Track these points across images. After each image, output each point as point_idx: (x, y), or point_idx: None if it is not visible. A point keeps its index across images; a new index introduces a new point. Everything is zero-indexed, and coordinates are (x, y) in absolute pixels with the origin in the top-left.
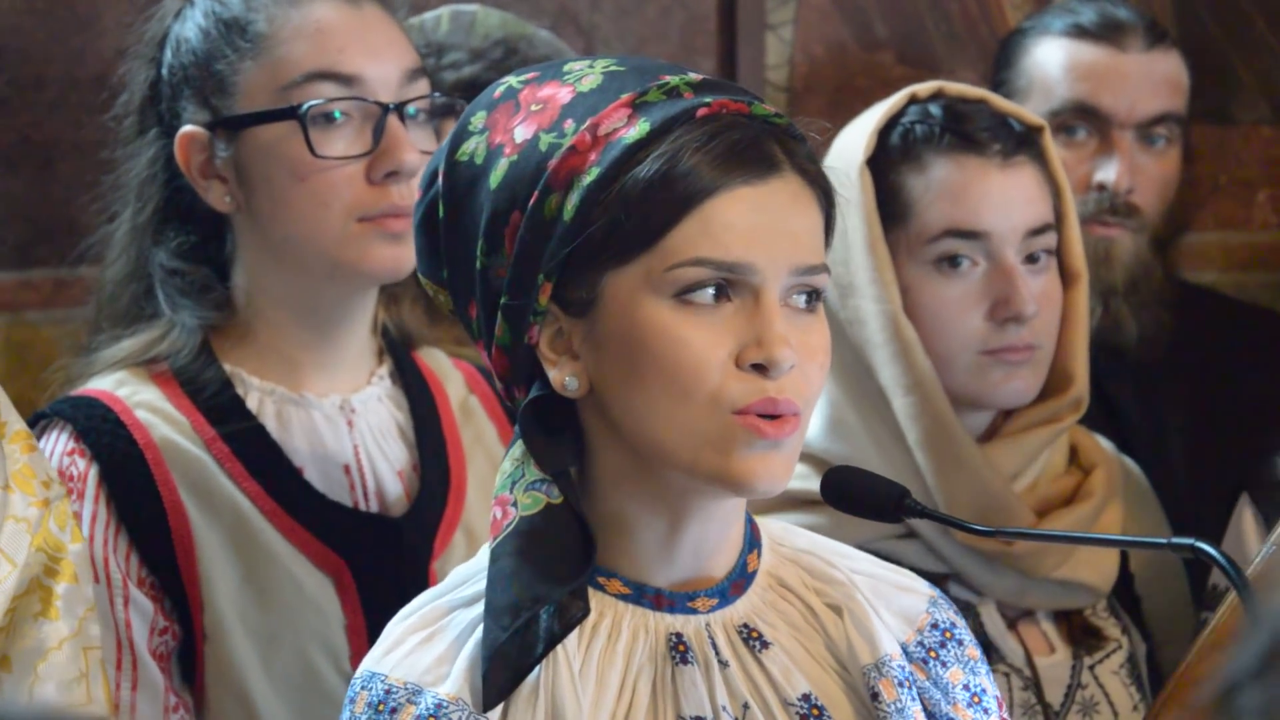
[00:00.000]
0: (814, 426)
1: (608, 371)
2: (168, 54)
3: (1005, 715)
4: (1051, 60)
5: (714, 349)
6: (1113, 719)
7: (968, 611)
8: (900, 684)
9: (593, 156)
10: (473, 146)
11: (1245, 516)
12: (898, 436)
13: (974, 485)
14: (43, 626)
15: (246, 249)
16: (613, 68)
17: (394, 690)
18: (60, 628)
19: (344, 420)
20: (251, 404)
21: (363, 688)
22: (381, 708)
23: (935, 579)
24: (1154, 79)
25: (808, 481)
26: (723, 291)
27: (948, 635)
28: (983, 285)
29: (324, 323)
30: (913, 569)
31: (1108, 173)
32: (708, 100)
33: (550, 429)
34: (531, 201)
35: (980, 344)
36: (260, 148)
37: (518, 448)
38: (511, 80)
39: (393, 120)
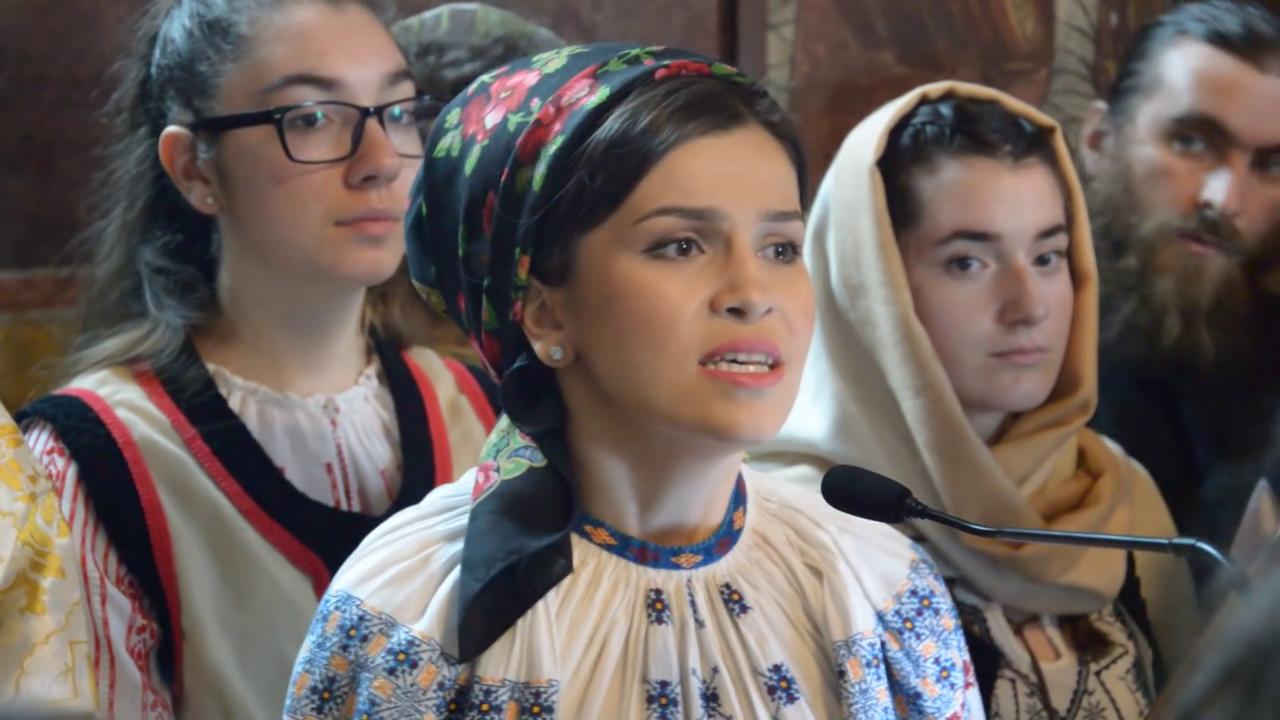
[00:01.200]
0: (821, 427)
1: (589, 335)
2: (156, 53)
3: (971, 680)
4: (1186, 65)
5: (688, 298)
6: None
7: (974, 615)
8: (868, 664)
9: (557, 126)
10: (449, 142)
11: (1264, 503)
12: (906, 438)
13: (983, 488)
14: (29, 621)
15: (230, 249)
16: (578, 51)
17: (368, 618)
18: (47, 622)
19: (327, 420)
20: (234, 403)
21: (337, 608)
22: (354, 633)
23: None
24: None
25: (814, 484)
26: (695, 243)
27: (925, 603)
28: (993, 287)
29: (308, 324)
30: None
31: (1216, 192)
32: (666, 62)
33: (531, 396)
34: (503, 179)
35: (990, 346)
36: (240, 150)
37: (504, 419)
38: (484, 78)
39: (371, 124)
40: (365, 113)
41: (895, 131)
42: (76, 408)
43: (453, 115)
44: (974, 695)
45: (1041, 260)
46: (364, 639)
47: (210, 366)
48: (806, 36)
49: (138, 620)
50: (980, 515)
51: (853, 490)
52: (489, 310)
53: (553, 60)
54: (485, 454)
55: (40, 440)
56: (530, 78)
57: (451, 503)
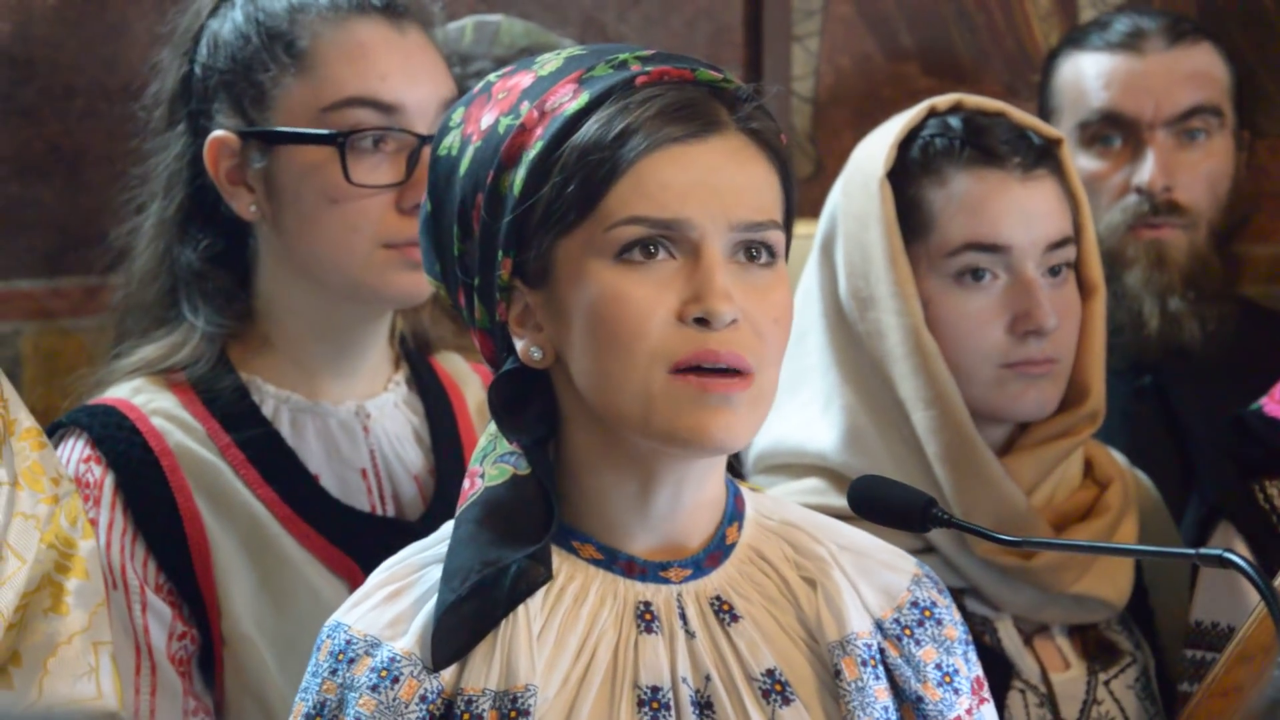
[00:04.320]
0: (831, 439)
1: (566, 338)
2: (202, 50)
3: (985, 696)
4: (1076, 76)
5: (655, 305)
6: None
7: (985, 626)
8: (864, 663)
9: (538, 131)
10: (450, 140)
11: (1237, 548)
12: (916, 450)
13: (994, 499)
14: (53, 622)
15: (268, 258)
16: (576, 53)
17: (354, 641)
18: (70, 623)
19: (360, 426)
20: (267, 411)
21: (328, 636)
22: (341, 657)
23: (953, 594)
24: (1178, 75)
25: (824, 496)
26: (664, 249)
27: (927, 614)
28: (1003, 299)
29: (342, 333)
30: None
31: (1142, 174)
32: (649, 69)
33: (518, 402)
34: (489, 182)
35: (1001, 357)
36: (295, 166)
37: (492, 424)
38: (490, 76)
39: (427, 152)
40: (422, 140)
41: (904, 144)
42: (113, 416)
43: (457, 114)
44: (989, 711)
45: (1051, 271)
46: (351, 661)
47: (243, 375)
48: (831, 48)
49: (178, 627)
50: (991, 525)
51: (879, 499)
52: (480, 309)
53: (550, 62)
54: (474, 459)
55: (77, 449)
56: (526, 79)
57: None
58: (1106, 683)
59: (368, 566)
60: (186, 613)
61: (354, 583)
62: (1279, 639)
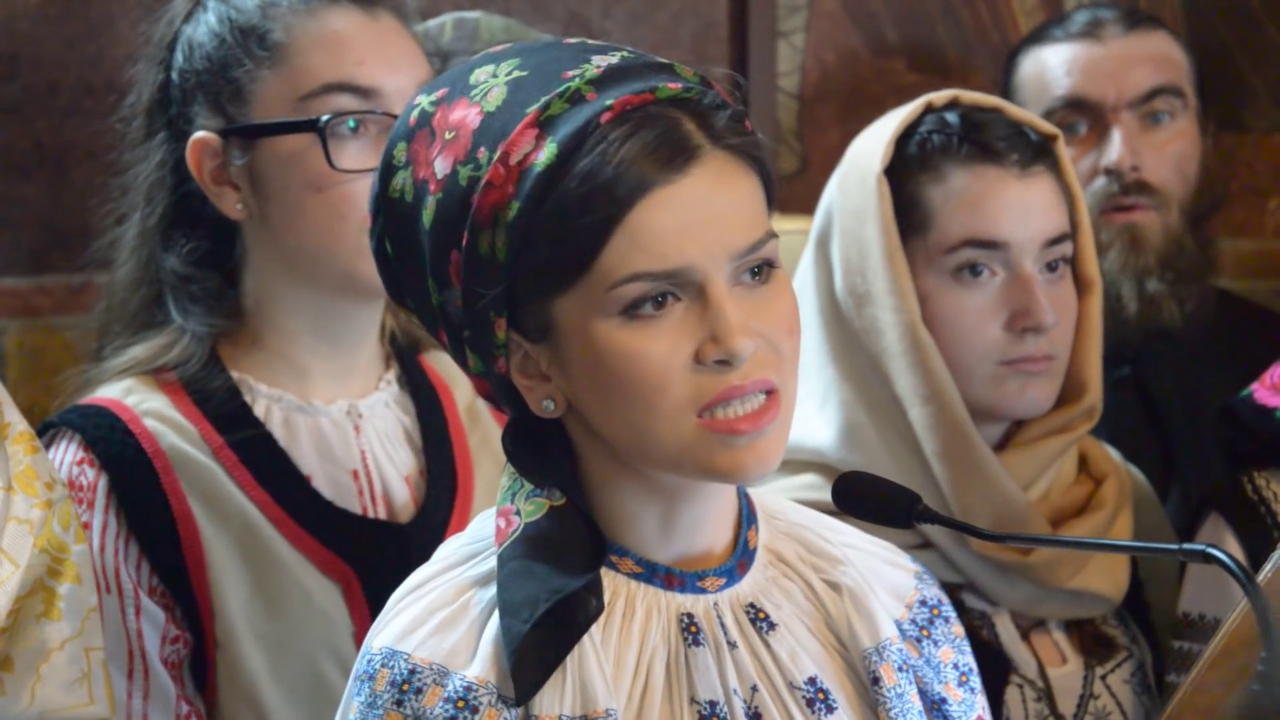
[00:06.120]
0: (828, 435)
1: (579, 389)
2: (178, 57)
3: (978, 686)
4: (1039, 68)
5: (672, 356)
6: None
7: (983, 621)
8: (899, 669)
9: (510, 189)
10: (401, 183)
11: (1227, 540)
12: (914, 446)
13: (992, 495)
14: (45, 627)
15: (257, 256)
16: (515, 74)
17: (419, 670)
18: (62, 628)
19: (351, 426)
20: (259, 411)
21: (384, 665)
22: (406, 687)
23: (950, 589)
24: (1136, 57)
25: (821, 492)
26: (670, 295)
27: (935, 612)
28: (1001, 295)
29: (334, 331)
30: None
31: (1109, 155)
32: (609, 103)
33: (535, 446)
34: (464, 242)
35: (999, 354)
36: (277, 157)
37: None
38: (423, 101)
39: None
40: None
41: (900, 140)
42: (105, 418)
43: (399, 151)
44: (982, 701)
45: (1049, 268)
46: (418, 691)
47: (234, 374)
48: (817, 44)
49: (171, 630)
50: (988, 522)
51: (864, 496)
52: (474, 357)
53: (492, 90)
54: (501, 499)
55: (69, 451)
56: (472, 116)
57: (473, 549)
58: (1103, 677)
59: (361, 569)
60: (179, 615)
61: (347, 586)
62: (1262, 634)
